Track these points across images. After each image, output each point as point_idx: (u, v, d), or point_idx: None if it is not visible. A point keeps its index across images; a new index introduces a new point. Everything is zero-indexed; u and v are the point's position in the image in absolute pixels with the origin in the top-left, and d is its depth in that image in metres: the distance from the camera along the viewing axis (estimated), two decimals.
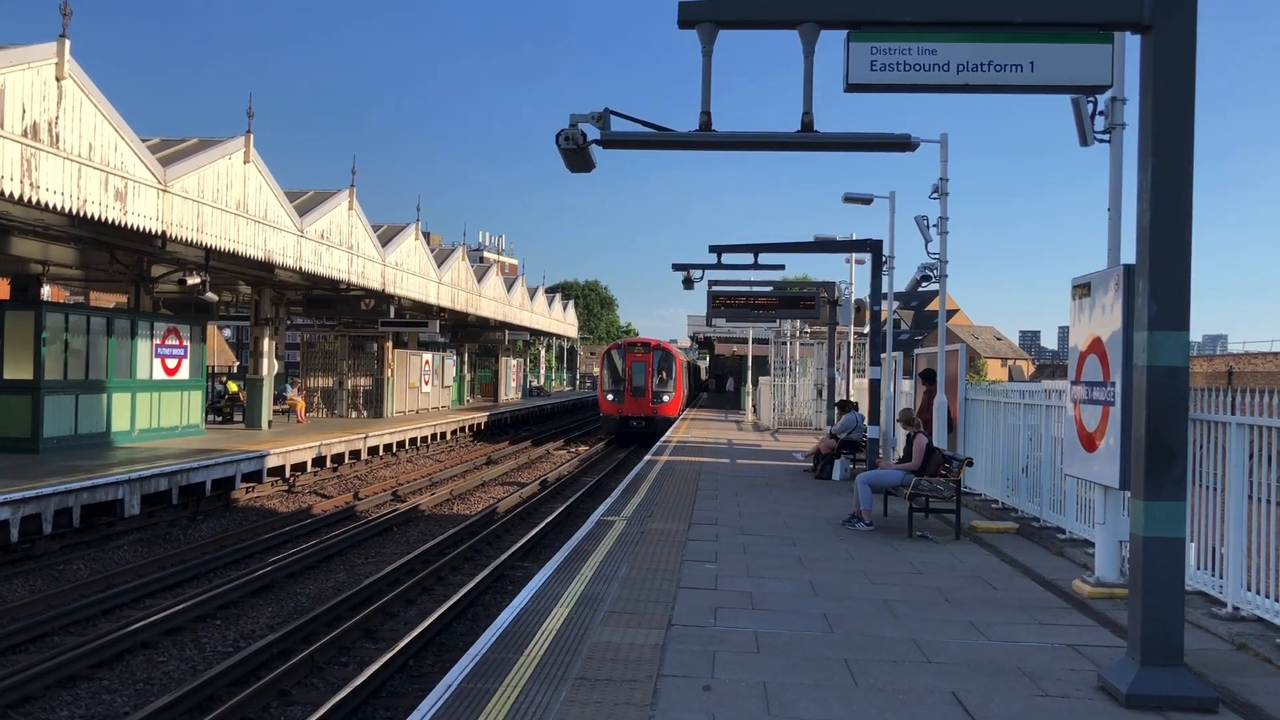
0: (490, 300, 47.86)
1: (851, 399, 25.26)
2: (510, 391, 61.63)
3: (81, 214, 17.57)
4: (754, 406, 46.88)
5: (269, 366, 31.42)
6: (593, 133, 8.28)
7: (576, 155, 8.50)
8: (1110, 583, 9.77)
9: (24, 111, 15.98)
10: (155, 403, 25.16)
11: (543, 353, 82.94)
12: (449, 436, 39.69)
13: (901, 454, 14.98)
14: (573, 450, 39.89)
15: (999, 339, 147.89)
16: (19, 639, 11.65)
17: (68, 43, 16.86)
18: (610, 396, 43.45)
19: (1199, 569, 9.33)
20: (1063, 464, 11.43)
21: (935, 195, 17.57)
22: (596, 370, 59.62)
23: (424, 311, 39.76)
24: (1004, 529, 13.60)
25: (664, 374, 43.60)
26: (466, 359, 57.86)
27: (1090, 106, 10.14)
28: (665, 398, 43.23)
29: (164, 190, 20.01)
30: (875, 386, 19.98)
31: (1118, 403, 8.89)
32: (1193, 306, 6.63)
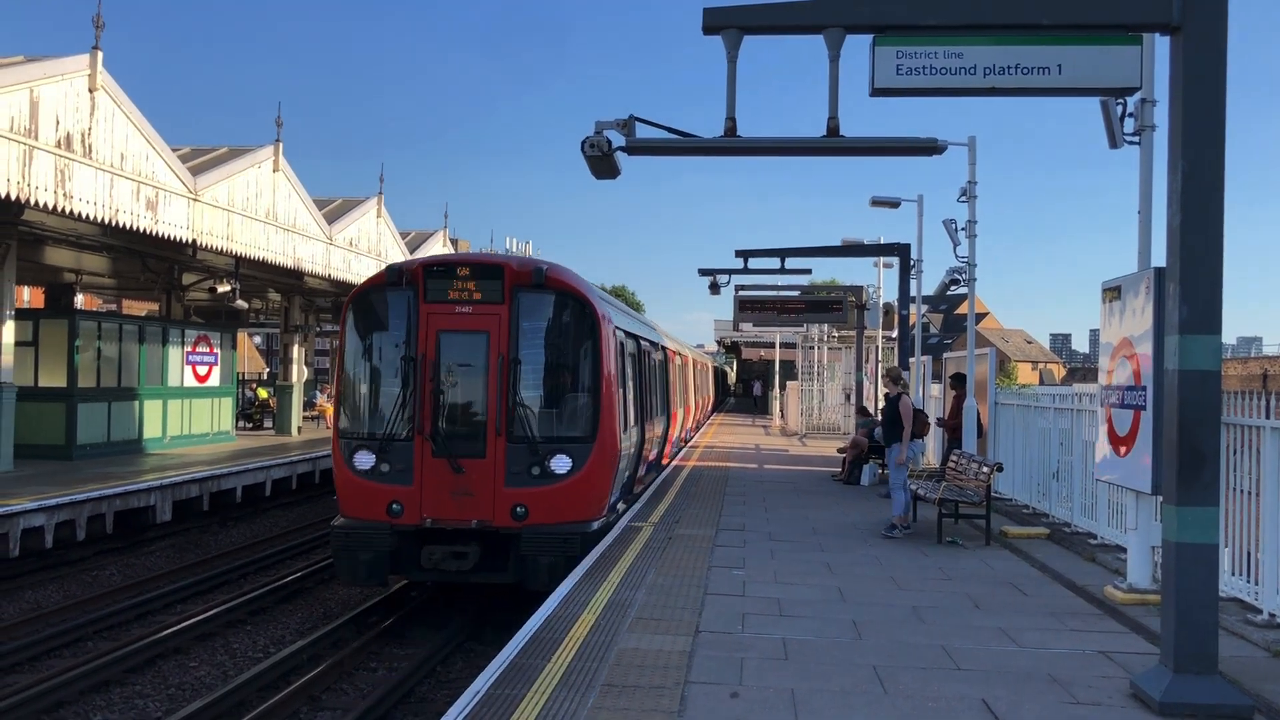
0: None
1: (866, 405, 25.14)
2: None
3: (114, 223, 17.79)
4: (781, 411, 46.67)
5: (299, 373, 31.67)
6: (618, 139, 8.30)
7: (602, 162, 8.52)
8: (1143, 589, 9.66)
9: (58, 123, 16.19)
10: (186, 409, 25.41)
11: None
12: None
13: (883, 419, 14.96)
14: None
15: (1029, 342, 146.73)
16: (54, 644, 11.79)
17: (100, 54, 17.08)
18: (361, 460, 12.36)
19: (1234, 575, 9.21)
20: (1094, 468, 11.32)
21: (963, 198, 17.47)
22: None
23: None
24: (1035, 534, 13.49)
25: (566, 371, 13.01)
26: None
27: (1119, 109, 10.07)
28: (563, 463, 12.27)
29: (194, 199, 20.22)
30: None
31: (1149, 407, 8.80)
32: (1227, 308, 6.57)
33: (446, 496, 12.01)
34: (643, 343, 17.17)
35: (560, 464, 12.15)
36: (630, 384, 15.07)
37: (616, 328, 13.54)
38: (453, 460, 12.04)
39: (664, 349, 21.87)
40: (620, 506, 14.62)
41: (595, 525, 12.37)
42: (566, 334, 12.82)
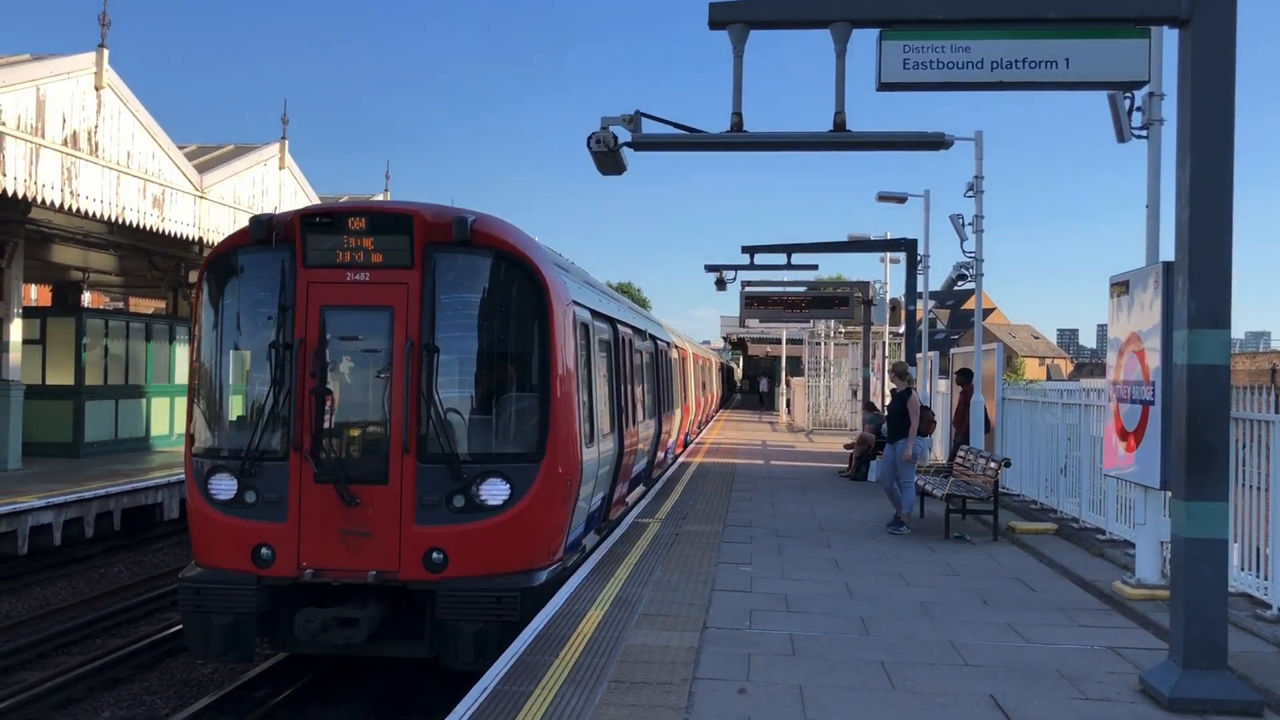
0: None
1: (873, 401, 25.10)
2: None
3: (120, 221, 17.82)
4: (788, 407, 46.63)
5: None
6: (624, 135, 8.29)
7: (608, 158, 8.51)
8: (1151, 584, 9.63)
9: (64, 121, 16.22)
10: None
11: None
12: None
13: (887, 415, 14.52)
14: None
15: (1036, 338, 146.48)
16: (63, 641, 11.83)
17: (106, 52, 17.10)
18: (219, 487, 9.20)
19: (1243, 570, 9.18)
20: (1102, 464, 11.29)
21: (970, 193, 17.45)
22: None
23: None
24: (1042, 530, 13.46)
25: (503, 363, 9.79)
26: None
27: (1127, 102, 10.02)
28: (497, 490, 9.03)
29: (200, 197, 20.26)
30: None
31: (1158, 402, 8.76)
32: (1235, 303, 6.54)
33: (334, 538, 8.81)
34: (621, 328, 13.96)
35: (494, 491, 8.92)
36: (602, 379, 12.10)
37: (576, 304, 10.38)
38: (343, 487, 8.80)
39: (654, 338, 18.80)
40: (588, 542, 11.43)
41: (544, 576, 9.17)
42: (503, 311, 9.63)
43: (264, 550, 8.87)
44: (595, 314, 11.88)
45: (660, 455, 19.60)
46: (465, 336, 9.49)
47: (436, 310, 9.08)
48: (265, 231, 9.25)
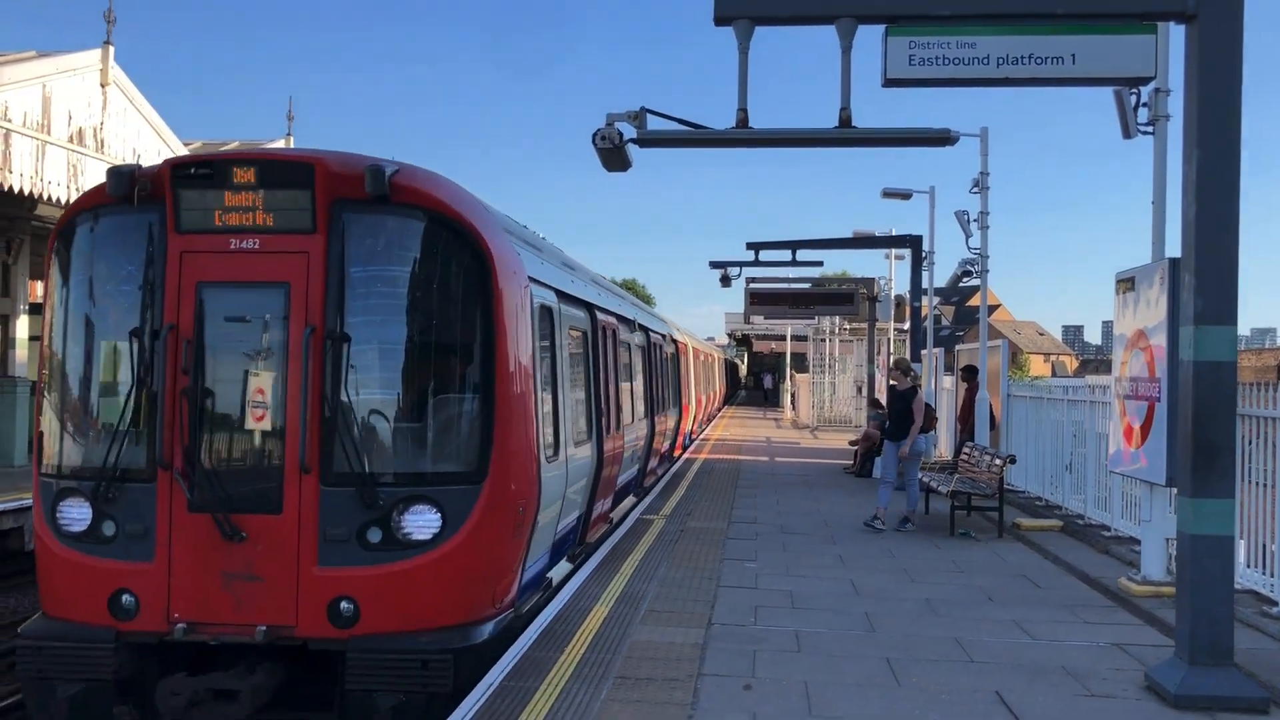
0: None
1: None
2: None
3: None
4: (792, 404, 46.64)
5: None
6: (629, 131, 8.28)
7: (613, 155, 8.50)
8: (1157, 581, 9.62)
9: (70, 118, 16.25)
10: None
11: None
12: None
13: (888, 412, 14.23)
14: None
15: (1041, 334, 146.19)
16: None
17: (111, 49, 17.14)
18: (70, 516, 7.23)
19: (1249, 567, 9.17)
20: (1107, 460, 11.28)
21: (976, 189, 17.43)
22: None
23: None
24: (1048, 526, 13.45)
25: (434, 356, 7.61)
26: None
27: (1133, 98, 10.00)
28: (424, 521, 7.06)
29: None
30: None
31: (1163, 398, 8.75)
32: (1241, 299, 6.52)
33: (213, 583, 6.89)
34: (601, 315, 11.94)
35: (420, 522, 7.00)
36: (574, 376, 10.20)
37: (536, 282, 8.45)
38: (224, 518, 6.85)
39: (646, 329, 16.84)
40: (555, 574, 9.53)
41: (487, 630, 7.24)
42: (435, 288, 7.48)
43: (125, 598, 6.93)
44: (565, 297, 9.92)
45: (653, 463, 17.71)
46: (384, 321, 7.44)
47: (346, 287, 7.09)
48: (126, 186, 7.19)
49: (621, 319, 13.87)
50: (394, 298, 7.43)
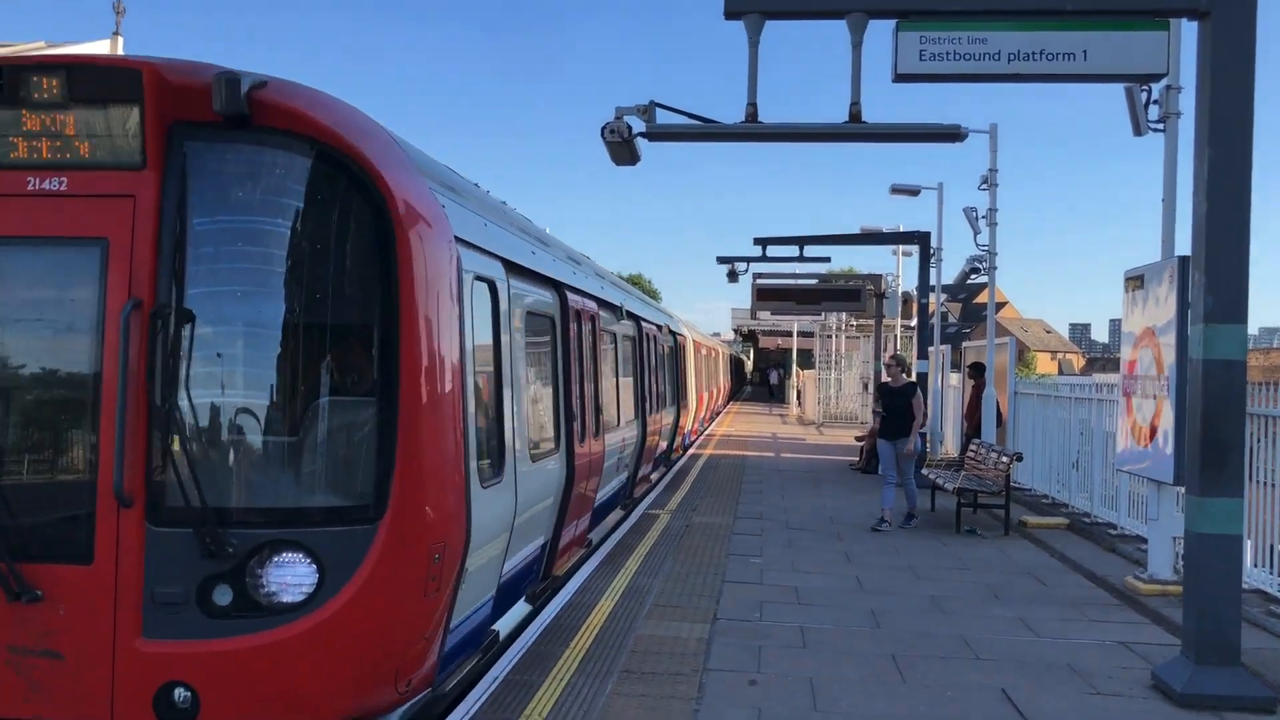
0: None
1: None
2: None
3: None
4: (798, 400, 46.61)
5: None
6: (638, 125, 8.28)
7: (622, 148, 8.50)
8: (1164, 580, 9.60)
9: None
10: None
11: None
12: None
13: (882, 410, 13.75)
14: None
15: (1048, 332, 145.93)
16: None
17: (120, 40, 17.14)
18: None
19: (1256, 566, 9.15)
20: (1114, 459, 11.26)
21: (984, 186, 17.39)
22: None
23: None
24: (1054, 524, 13.43)
25: (313, 340, 5.29)
26: None
27: (1144, 95, 9.97)
28: (295, 574, 4.93)
29: None
30: (921, 380, 19.78)
31: (1171, 397, 8.73)
32: (1251, 298, 6.50)
33: None
34: (574, 297, 9.85)
35: (288, 577, 4.99)
36: (531, 372, 8.13)
37: (468, 245, 6.32)
38: (11, 569, 4.90)
39: (638, 317, 15.01)
40: (503, 626, 7.58)
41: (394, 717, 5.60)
42: (313, 246, 5.30)
43: None
44: (519, 271, 7.74)
45: (645, 468, 15.83)
46: (240, 294, 5.25)
47: (188, 245, 5.09)
48: None
49: (605, 304, 11.95)
50: (254, 259, 5.26)
